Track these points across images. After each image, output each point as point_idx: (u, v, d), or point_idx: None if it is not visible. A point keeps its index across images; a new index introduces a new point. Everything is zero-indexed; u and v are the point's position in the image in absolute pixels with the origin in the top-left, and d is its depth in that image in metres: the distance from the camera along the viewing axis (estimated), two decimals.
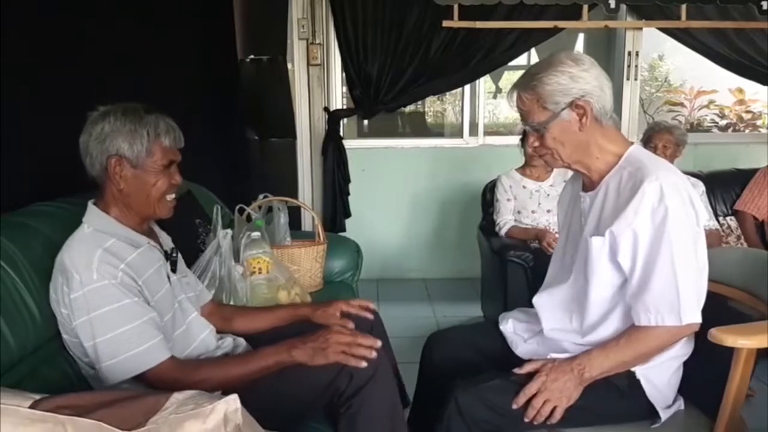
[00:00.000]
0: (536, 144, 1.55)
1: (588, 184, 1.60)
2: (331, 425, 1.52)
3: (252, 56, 4.15)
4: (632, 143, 1.56)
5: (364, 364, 1.44)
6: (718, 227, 3.21)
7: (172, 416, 0.97)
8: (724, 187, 3.50)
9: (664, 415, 1.53)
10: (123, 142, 1.47)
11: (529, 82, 1.50)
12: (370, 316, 1.81)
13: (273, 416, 1.16)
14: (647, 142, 3.17)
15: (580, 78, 1.46)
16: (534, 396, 1.46)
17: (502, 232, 3.20)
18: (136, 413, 0.99)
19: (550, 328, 1.64)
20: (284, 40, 4.13)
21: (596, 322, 1.55)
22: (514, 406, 1.46)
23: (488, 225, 3.39)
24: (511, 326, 1.77)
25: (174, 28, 2.97)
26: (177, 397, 1.03)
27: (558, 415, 1.45)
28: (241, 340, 1.78)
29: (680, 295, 1.41)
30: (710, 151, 4.27)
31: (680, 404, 1.60)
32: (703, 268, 1.48)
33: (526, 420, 1.46)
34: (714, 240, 3.10)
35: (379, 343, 1.49)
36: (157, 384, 1.42)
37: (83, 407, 1.00)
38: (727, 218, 3.42)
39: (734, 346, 1.39)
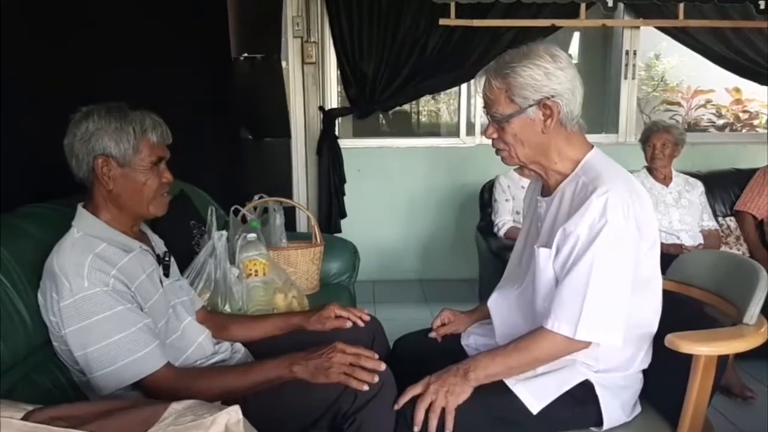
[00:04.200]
0: (494, 136, 1.49)
1: (545, 188, 1.56)
2: None
3: (246, 54, 4.12)
4: (592, 147, 1.51)
5: (366, 387, 1.38)
6: (718, 228, 3.19)
7: (170, 428, 0.94)
8: (723, 187, 3.48)
9: (608, 424, 1.48)
10: (109, 140, 1.42)
11: (501, 70, 1.42)
12: (361, 323, 1.77)
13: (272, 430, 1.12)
14: (645, 141, 3.15)
15: (554, 76, 1.40)
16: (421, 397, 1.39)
17: (501, 232, 3.17)
18: (133, 424, 0.96)
19: (501, 334, 1.60)
20: (278, 38, 4.10)
21: None
22: (396, 407, 1.40)
23: (487, 226, 3.36)
24: (472, 341, 1.74)
25: (167, 26, 2.93)
26: (175, 407, 0.99)
27: (449, 420, 1.37)
28: (239, 346, 1.74)
29: (584, 309, 1.35)
30: (708, 150, 4.24)
31: (637, 409, 1.56)
32: (634, 291, 1.41)
33: (415, 428, 1.37)
34: (714, 241, 3.09)
35: (383, 366, 1.43)
36: (153, 392, 1.38)
37: (78, 418, 0.96)
38: (727, 219, 3.40)
39: (690, 353, 1.35)
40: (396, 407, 1.41)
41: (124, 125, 1.43)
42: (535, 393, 1.43)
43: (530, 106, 1.41)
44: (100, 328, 1.35)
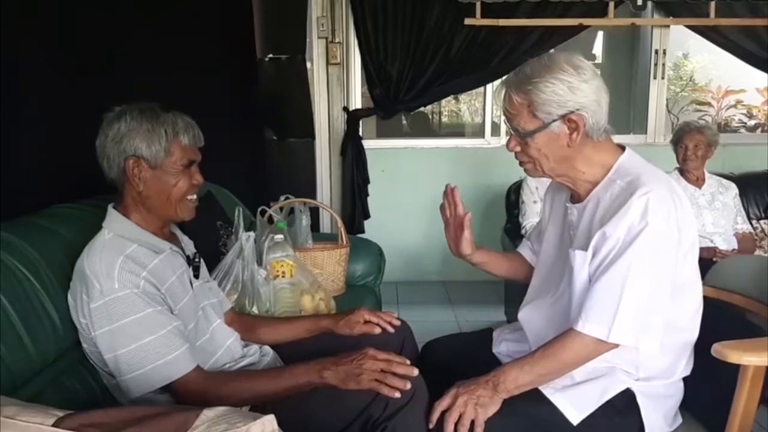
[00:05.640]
0: (517, 149, 1.44)
1: (575, 195, 1.50)
2: None
3: (271, 55, 4.10)
4: (622, 148, 1.46)
5: (398, 395, 1.34)
6: (752, 230, 3.12)
7: None
8: (756, 189, 3.39)
9: None
10: (140, 141, 1.41)
11: (523, 85, 1.37)
12: (391, 329, 1.73)
13: None
14: (677, 142, 3.09)
15: (579, 90, 1.34)
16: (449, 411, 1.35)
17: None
18: None
19: (536, 345, 1.53)
20: (303, 39, 4.09)
21: None
22: (430, 426, 1.36)
23: (513, 227, 3.31)
24: (504, 348, 1.69)
25: (192, 28, 2.92)
26: (207, 414, 0.97)
27: (479, 430, 1.33)
28: (268, 349, 1.72)
29: (619, 311, 1.30)
30: (739, 152, 4.15)
31: (678, 419, 1.50)
32: (670, 293, 1.36)
33: None
34: (748, 244, 3.02)
35: (415, 372, 1.39)
36: (183, 395, 1.36)
37: (109, 425, 0.95)
38: (761, 221, 3.32)
39: (739, 363, 1.28)
40: (430, 425, 1.37)
41: (155, 126, 1.42)
42: (576, 402, 1.39)
43: (554, 120, 1.36)
44: (130, 330, 1.33)
